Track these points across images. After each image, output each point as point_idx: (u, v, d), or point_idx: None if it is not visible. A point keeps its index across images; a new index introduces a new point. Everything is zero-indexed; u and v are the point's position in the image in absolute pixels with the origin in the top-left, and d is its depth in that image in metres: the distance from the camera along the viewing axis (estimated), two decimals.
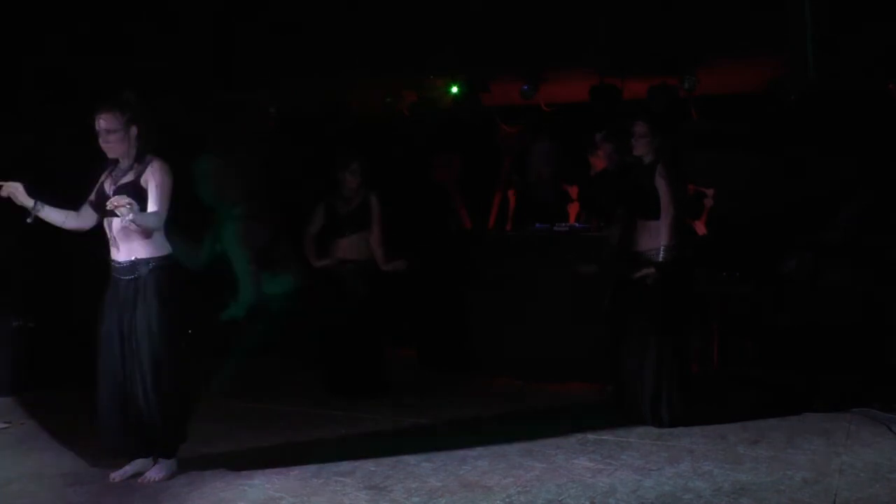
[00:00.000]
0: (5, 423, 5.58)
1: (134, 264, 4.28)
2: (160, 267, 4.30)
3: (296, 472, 4.52)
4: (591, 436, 5.23)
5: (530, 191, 7.64)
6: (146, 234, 4.26)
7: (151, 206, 4.24)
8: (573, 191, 7.56)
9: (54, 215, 4.33)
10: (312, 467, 4.33)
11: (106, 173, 4.43)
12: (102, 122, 4.25)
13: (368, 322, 6.36)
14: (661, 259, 5.37)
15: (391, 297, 6.67)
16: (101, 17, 6.37)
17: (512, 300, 6.96)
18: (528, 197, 7.63)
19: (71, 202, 6.32)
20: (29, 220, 4.22)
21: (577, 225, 7.21)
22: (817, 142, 7.12)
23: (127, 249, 4.29)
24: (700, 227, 7.07)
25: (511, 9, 6.27)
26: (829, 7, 5.51)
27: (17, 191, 4.17)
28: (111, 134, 4.24)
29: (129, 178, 4.30)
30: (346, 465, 4.67)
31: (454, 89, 7.48)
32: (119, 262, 4.32)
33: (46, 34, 6.40)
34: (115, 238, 4.33)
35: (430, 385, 6.81)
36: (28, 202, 4.19)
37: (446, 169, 7.75)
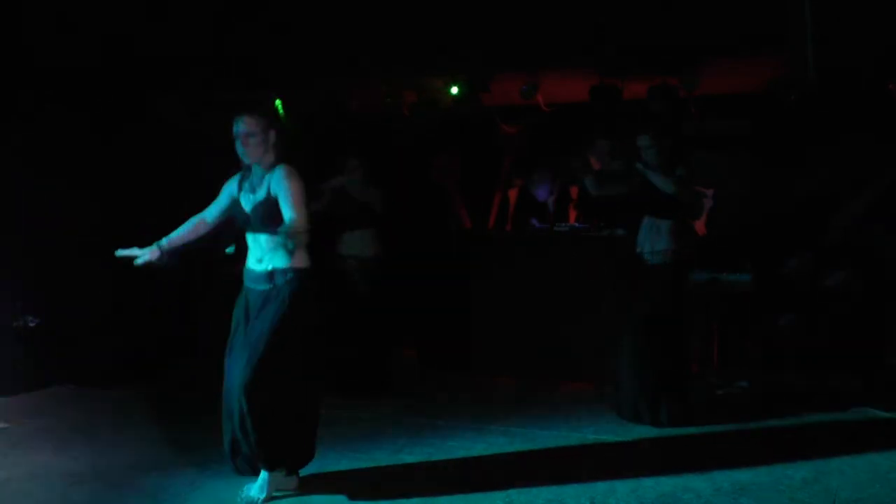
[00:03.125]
0: (5, 423, 5.58)
1: (271, 274, 4.07)
2: (297, 279, 4.07)
3: None
4: (590, 436, 5.24)
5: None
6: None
7: (287, 213, 3.96)
8: (573, 191, 7.56)
9: (178, 239, 4.23)
10: (312, 466, 4.33)
11: (238, 182, 4.23)
12: (243, 126, 4.07)
13: (370, 320, 6.36)
14: (668, 260, 5.38)
15: (392, 296, 6.67)
16: (101, 17, 6.38)
17: (512, 300, 6.96)
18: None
19: (71, 198, 6.28)
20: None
21: (577, 225, 7.22)
22: (817, 142, 7.11)
23: (269, 259, 4.10)
24: (700, 227, 7.06)
25: (511, 9, 6.27)
26: (829, 7, 5.51)
27: (143, 256, 4.16)
28: (250, 137, 4.06)
29: (261, 193, 4.10)
30: (345, 464, 4.68)
31: (454, 89, 7.47)
32: (255, 271, 4.12)
33: (46, 35, 6.41)
34: (260, 248, 4.13)
35: (431, 385, 6.80)
36: (150, 251, 4.14)
37: (446, 169, 7.74)
